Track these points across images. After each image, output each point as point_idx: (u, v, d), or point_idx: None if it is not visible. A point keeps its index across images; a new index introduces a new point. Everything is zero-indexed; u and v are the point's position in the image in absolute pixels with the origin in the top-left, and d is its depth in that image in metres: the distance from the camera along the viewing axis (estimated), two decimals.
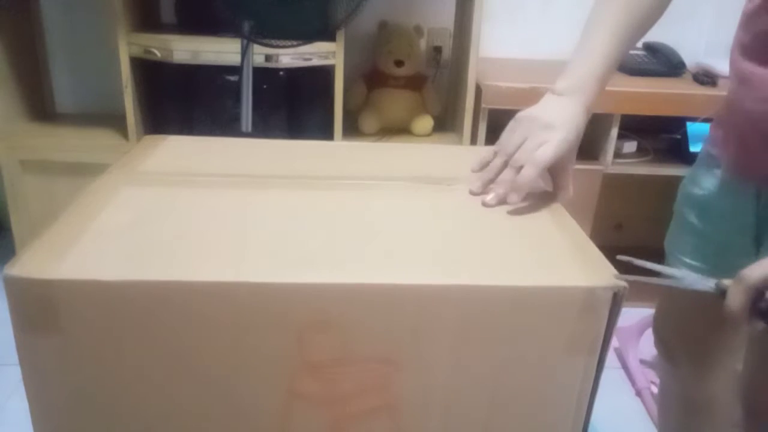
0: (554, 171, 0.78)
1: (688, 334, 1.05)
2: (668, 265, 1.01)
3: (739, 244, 0.90)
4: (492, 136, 1.85)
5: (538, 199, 0.77)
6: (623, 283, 0.58)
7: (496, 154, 0.80)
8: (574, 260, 0.63)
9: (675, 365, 1.10)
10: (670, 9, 0.97)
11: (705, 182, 0.93)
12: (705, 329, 1.01)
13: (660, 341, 1.11)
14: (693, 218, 0.95)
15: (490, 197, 0.75)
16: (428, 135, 1.93)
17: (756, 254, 0.87)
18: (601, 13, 0.84)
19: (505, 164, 0.77)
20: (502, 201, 0.75)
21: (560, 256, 0.64)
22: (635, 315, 1.75)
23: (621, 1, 0.84)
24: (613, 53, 0.82)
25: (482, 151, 0.83)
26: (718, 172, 0.91)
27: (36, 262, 0.56)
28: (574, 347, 0.59)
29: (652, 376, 1.72)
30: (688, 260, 0.97)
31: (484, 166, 0.80)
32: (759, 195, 0.86)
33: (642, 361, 1.78)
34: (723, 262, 0.93)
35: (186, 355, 0.58)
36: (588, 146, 1.92)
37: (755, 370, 0.96)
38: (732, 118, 0.88)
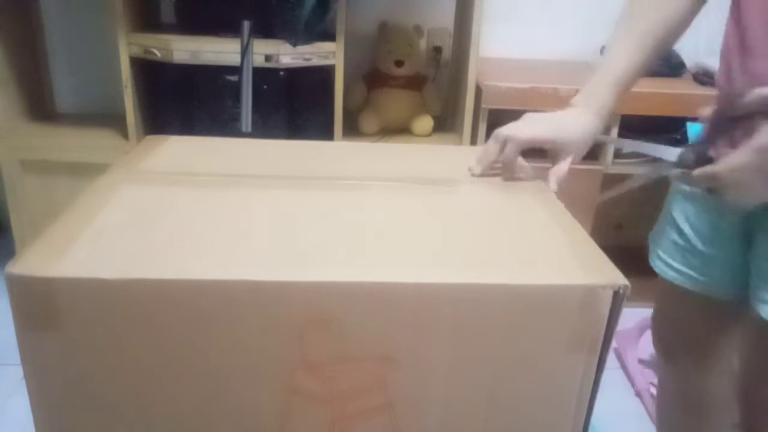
0: (551, 153, 0.85)
1: (686, 332, 1.05)
2: (659, 270, 1.01)
3: (729, 244, 0.90)
4: None
5: (539, 197, 0.77)
6: (624, 282, 0.58)
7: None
8: (574, 258, 0.63)
9: (673, 364, 1.10)
10: None
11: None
12: (702, 327, 1.02)
13: (658, 341, 1.11)
14: (682, 222, 0.95)
15: (475, 164, 0.85)
16: (428, 135, 1.93)
17: (746, 253, 0.88)
18: (623, 23, 0.88)
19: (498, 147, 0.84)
20: (485, 169, 0.84)
21: (560, 254, 0.64)
22: (634, 316, 1.74)
23: (645, 12, 0.87)
24: (632, 63, 0.85)
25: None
26: None
27: (37, 261, 0.56)
28: (574, 346, 0.59)
29: (651, 377, 1.72)
30: (677, 265, 0.97)
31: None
32: None
33: (641, 361, 1.78)
34: (712, 264, 0.93)
35: (185, 353, 0.58)
36: None
37: (754, 365, 0.96)
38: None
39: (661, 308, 1.10)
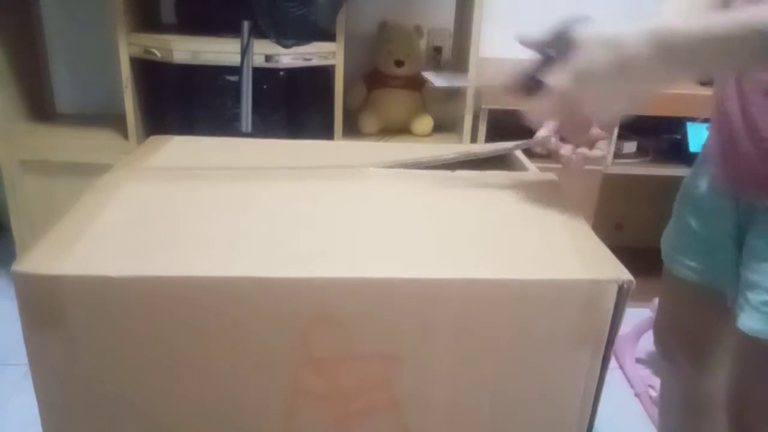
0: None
1: (688, 334, 1.05)
2: (666, 263, 1.01)
3: (724, 244, 0.90)
4: (492, 136, 1.86)
5: (543, 191, 0.77)
6: (628, 277, 0.58)
7: None
8: (578, 253, 0.63)
9: (675, 365, 1.10)
10: None
11: (701, 182, 0.94)
12: (704, 330, 1.02)
13: (660, 342, 1.12)
14: (689, 217, 0.96)
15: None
16: (428, 135, 1.94)
17: (738, 256, 0.88)
18: None
19: None
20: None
21: (564, 249, 0.64)
22: (632, 318, 1.74)
23: None
24: None
25: None
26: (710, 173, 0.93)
27: (42, 258, 0.57)
28: (578, 342, 0.60)
29: (650, 379, 1.72)
30: (682, 258, 0.98)
31: None
32: (738, 199, 0.88)
33: (638, 360, 1.78)
34: (711, 261, 0.94)
35: (190, 350, 0.58)
36: None
37: (738, 369, 0.95)
38: (719, 128, 0.90)
39: (664, 307, 1.10)
